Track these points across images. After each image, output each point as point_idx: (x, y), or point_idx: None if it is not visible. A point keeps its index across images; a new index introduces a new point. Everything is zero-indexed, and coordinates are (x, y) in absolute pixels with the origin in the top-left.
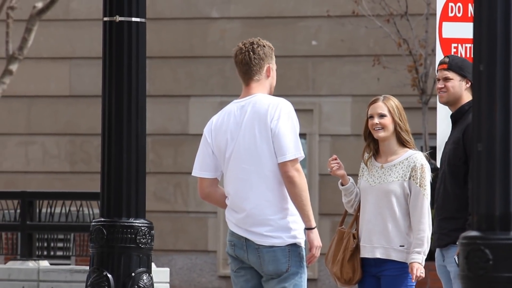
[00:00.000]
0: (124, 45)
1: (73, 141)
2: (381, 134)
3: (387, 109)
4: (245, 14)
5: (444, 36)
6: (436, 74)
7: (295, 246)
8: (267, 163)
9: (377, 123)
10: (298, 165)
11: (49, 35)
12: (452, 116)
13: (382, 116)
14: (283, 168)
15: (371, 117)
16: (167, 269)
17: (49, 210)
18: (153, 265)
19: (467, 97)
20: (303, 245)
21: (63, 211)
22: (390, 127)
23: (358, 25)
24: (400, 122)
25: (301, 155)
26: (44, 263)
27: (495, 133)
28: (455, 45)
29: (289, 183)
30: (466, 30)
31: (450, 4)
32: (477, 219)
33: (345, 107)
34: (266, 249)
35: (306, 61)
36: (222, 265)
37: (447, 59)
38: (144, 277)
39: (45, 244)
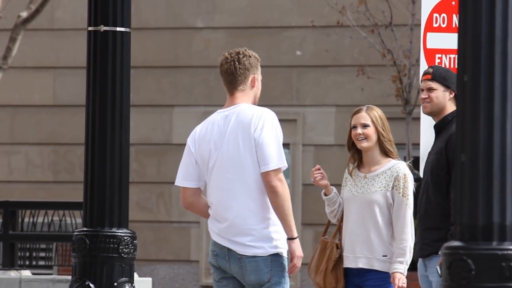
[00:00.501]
0: (108, 55)
1: (57, 150)
2: (364, 144)
3: (370, 119)
4: (230, 24)
5: (428, 46)
6: (420, 84)
7: (277, 256)
8: (250, 173)
9: (360, 133)
10: (281, 175)
11: (34, 44)
12: (435, 127)
13: (365, 126)
14: (266, 177)
15: (354, 127)
16: (150, 279)
17: (31, 219)
18: (135, 275)
19: (450, 107)
20: (285, 255)
21: (46, 220)
22: (373, 137)
23: (343, 36)
24: (383, 132)
25: (284, 165)
26: (26, 273)
27: (479, 144)
28: (439, 55)
29: (272, 192)
30: (450, 40)
31: (435, 14)
32: (460, 229)
33: (329, 117)
34: (248, 259)
35: (291, 71)
36: (204, 275)
37: (431, 70)
38: (127, 287)
39: (27, 254)
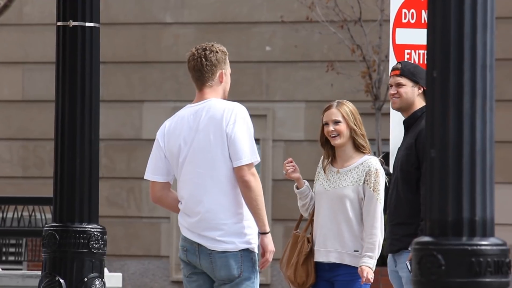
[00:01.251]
0: (77, 50)
1: (26, 146)
2: (337, 141)
3: (341, 115)
4: (199, 19)
5: (397, 42)
6: (389, 80)
7: (247, 251)
8: (222, 168)
9: (332, 130)
10: (254, 170)
11: (2, 39)
12: (404, 122)
13: (336, 122)
14: (239, 172)
15: (326, 124)
16: (120, 274)
17: (1, 215)
18: (105, 270)
19: (419, 103)
20: (256, 250)
21: (15, 216)
22: (346, 133)
23: (312, 31)
24: (355, 127)
25: (257, 159)
26: None
27: (448, 139)
28: (409, 51)
29: (245, 187)
30: (419, 36)
31: (404, 10)
32: (429, 225)
33: (299, 112)
34: (219, 255)
35: (260, 67)
36: (174, 270)
37: (399, 65)
38: (97, 282)
39: None
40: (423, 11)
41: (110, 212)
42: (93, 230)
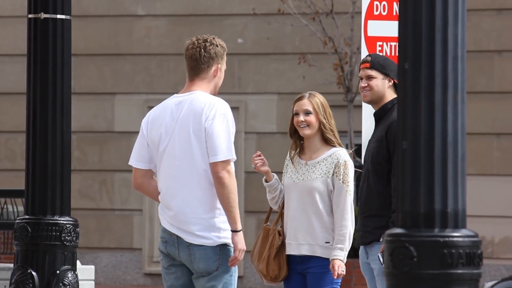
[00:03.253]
0: (49, 43)
1: None
2: (307, 131)
3: (312, 106)
4: (171, 11)
5: (369, 34)
6: (358, 73)
7: (226, 246)
8: (200, 162)
9: (302, 121)
10: (230, 167)
11: None
12: (375, 114)
13: (307, 113)
14: (214, 168)
15: (297, 114)
16: (92, 267)
17: None
18: (78, 262)
19: (390, 95)
20: (231, 244)
21: None
22: (315, 124)
23: (284, 23)
24: (324, 120)
25: (233, 157)
26: None
27: (420, 131)
28: (380, 43)
29: (218, 183)
30: (391, 28)
31: (375, 2)
32: (401, 217)
33: (271, 105)
34: (197, 247)
35: (232, 59)
36: (147, 262)
37: (369, 58)
38: (69, 275)
39: None
40: (394, 3)
41: (82, 204)
42: (65, 222)
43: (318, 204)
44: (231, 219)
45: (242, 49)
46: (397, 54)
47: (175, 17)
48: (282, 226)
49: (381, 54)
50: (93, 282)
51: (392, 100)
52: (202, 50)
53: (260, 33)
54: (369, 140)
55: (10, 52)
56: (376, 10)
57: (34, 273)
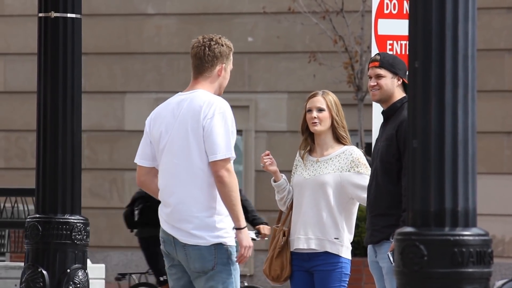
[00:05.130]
0: (59, 41)
1: (8, 137)
2: (318, 128)
3: (325, 104)
4: (181, 10)
5: (379, 33)
6: (367, 71)
7: (221, 245)
8: (196, 161)
9: (315, 117)
10: (229, 165)
11: None
12: (383, 113)
13: (320, 110)
14: (214, 167)
15: (310, 110)
16: (103, 266)
17: None
18: (88, 261)
19: (399, 94)
20: (231, 243)
21: None
22: (328, 121)
23: (294, 22)
24: (337, 118)
25: (232, 155)
26: None
27: (430, 130)
28: (391, 42)
29: (219, 182)
30: (401, 27)
31: (386, 1)
32: (412, 215)
33: (281, 103)
34: (192, 247)
35: (242, 58)
36: None
37: (378, 57)
38: (80, 274)
39: None
40: (405, 2)
41: (92, 203)
42: (75, 221)
43: (330, 199)
44: (234, 217)
45: (252, 47)
46: (407, 53)
47: (185, 15)
48: (289, 226)
49: (390, 53)
50: (103, 281)
51: (401, 99)
52: (207, 48)
53: (270, 32)
54: (377, 139)
55: (20, 51)
56: (387, 9)
57: (44, 272)
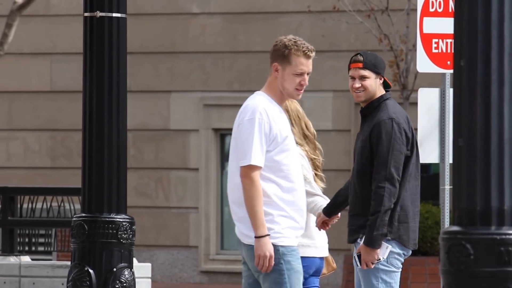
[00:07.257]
0: (105, 41)
1: (54, 136)
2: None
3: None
4: (226, 9)
5: (425, 31)
6: (348, 72)
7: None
8: (236, 164)
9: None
10: (252, 174)
11: (30, 30)
12: (361, 111)
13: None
14: (240, 172)
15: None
16: (149, 265)
17: (30, 205)
18: (134, 260)
19: (379, 92)
20: (282, 243)
21: (45, 206)
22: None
23: (339, 21)
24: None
25: (255, 164)
26: (26, 259)
27: (476, 128)
28: (436, 40)
29: (242, 187)
30: (446, 25)
31: None
32: (458, 214)
33: (326, 102)
34: (247, 246)
35: None
36: (203, 260)
37: (361, 57)
38: (126, 273)
39: (27, 240)
40: (450, 0)
41: (138, 202)
42: (121, 220)
43: None
44: (252, 225)
45: None
46: (452, 51)
47: (230, 14)
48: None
49: (369, 52)
50: (149, 280)
51: (379, 98)
52: (272, 47)
53: (315, 31)
54: (357, 136)
55: (66, 51)
56: (432, 7)
57: (91, 271)
